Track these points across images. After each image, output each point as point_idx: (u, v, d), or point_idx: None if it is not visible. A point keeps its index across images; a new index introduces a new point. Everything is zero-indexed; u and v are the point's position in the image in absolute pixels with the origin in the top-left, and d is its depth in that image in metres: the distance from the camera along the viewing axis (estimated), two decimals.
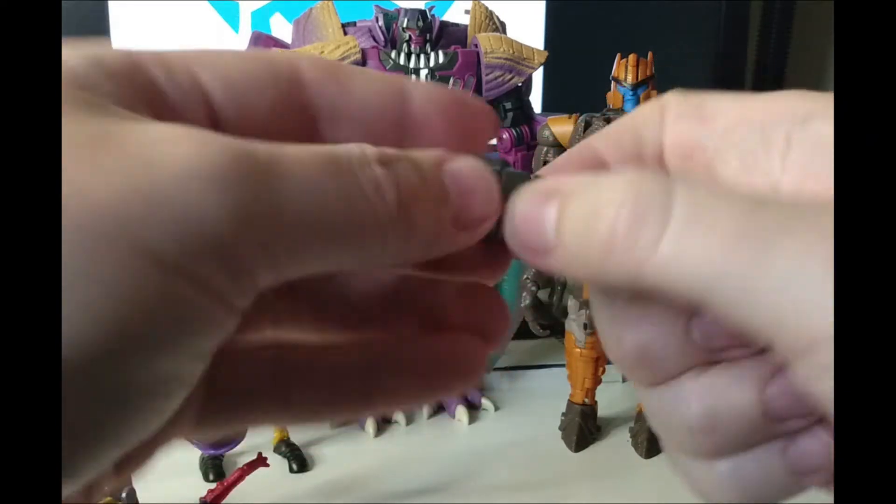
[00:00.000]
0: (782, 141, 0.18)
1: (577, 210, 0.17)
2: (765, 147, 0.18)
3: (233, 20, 0.87)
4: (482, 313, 0.21)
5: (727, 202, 0.16)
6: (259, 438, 0.58)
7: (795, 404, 0.17)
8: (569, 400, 0.65)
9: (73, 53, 0.16)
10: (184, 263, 0.14)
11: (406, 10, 0.66)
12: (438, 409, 0.68)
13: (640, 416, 0.63)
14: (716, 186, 0.17)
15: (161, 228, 0.13)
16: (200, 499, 0.48)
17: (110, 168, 0.13)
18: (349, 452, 0.62)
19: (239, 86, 0.17)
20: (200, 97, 0.17)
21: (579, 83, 0.73)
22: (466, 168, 0.18)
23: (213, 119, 0.17)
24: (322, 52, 0.64)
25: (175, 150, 0.14)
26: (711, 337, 0.18)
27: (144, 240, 0.13)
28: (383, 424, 0.66)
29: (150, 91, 0.16)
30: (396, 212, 0.16)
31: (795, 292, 0.15)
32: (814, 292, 0.15)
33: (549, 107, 0.89)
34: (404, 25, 0.65)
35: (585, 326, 0.62)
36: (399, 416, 0.66)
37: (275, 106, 0.18)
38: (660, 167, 0.20)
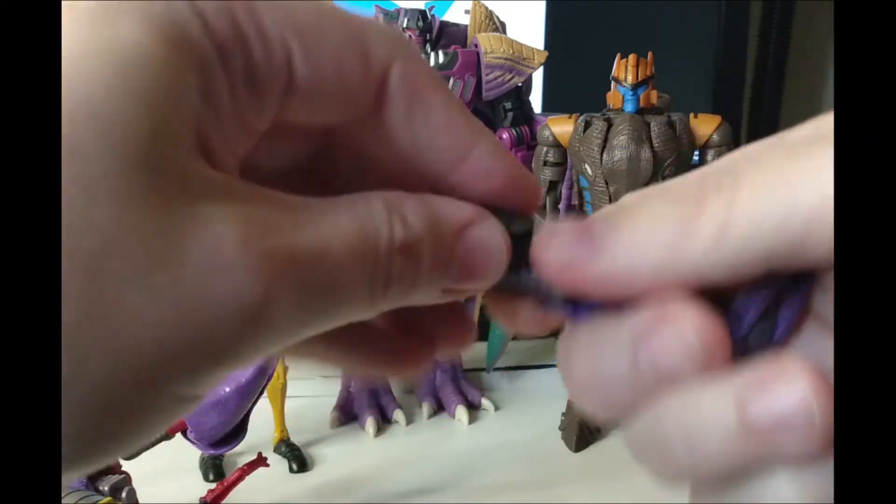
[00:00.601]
0: None
1: (632, 219, 0.16)
2: None
3: None
4: (449, 328, 0.21)
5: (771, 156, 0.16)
6: (259, 438, 0.58)
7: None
8: (569, 400, 0.65)
9: (144, 21, 0.14)
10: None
11: (406, 10, 0.66)
12: (438, 410, 0.68)
13: None
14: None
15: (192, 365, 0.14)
16: (200, 499, 0.48)
17: (162, 296, 0.14)
18: (349, 452, 0.62)
19: (323, 60, 0.17)
20: (286, 73, 0.16)
21: (579, 83, 0.73)
22: (486, 239, 0.18)
23: (287, 90, 0.17)
24: None
25: (227, 275, 0.14)
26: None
27: (173, 381, 0.14)
28: (383, 424, 0.66)
29: (241, 69, 0.16)
30: (391, 299, 0.17)
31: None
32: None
33: (549, 107, 0.89)
34: (404, 25, 0.65)
35: None
36: (399, 416, 0.66)
37: (345, 99, 0.17)
38: None
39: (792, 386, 0.15)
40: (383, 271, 0.16)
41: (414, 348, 0.21)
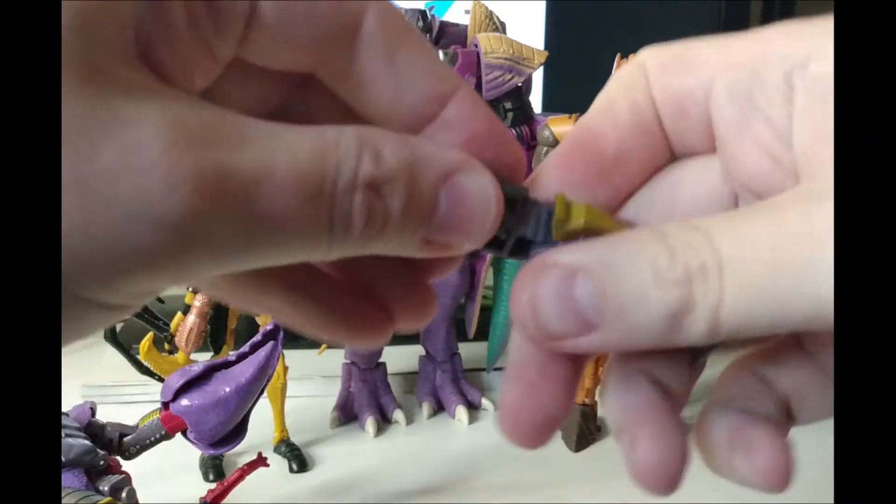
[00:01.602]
0: (782, 84, 0.17)
1: (619, 284, 0.16)
2: (763, 91, 0.17)
3: None
4: (409, 299, 0.20)
5: (750, 218, 0.16)
6: (259, 438, 0.58)
7: None
8: None
9: None
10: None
11: (406, 10, 0.66)
12: (438, 410, 0.68)
13: None
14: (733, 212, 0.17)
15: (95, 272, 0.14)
16: (200, 499, 0.48)
17: (72, 192, 0.13)
18: (349, 452, 0.62)
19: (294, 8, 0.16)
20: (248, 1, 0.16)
21: (579, 83, 0.73)
22: (475, 188, 0.17)
23: (251, 21, 0.16)
24: None
25: (141, 180, 0.13)
26: None
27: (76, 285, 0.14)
28: (383, 424, 0.66)
29: None
30: (353, 239, 0.16)
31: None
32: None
33: (549, 107, 0.89)
34: None
35: None
36: (399, 417, 0.66)
37: (318, 43, 0.17)
38: (660, 132, 0.19)
39: None
40: (343, 208, 0.15)
41: (372, 315, 0.20)
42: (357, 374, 0.67)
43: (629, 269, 0.16)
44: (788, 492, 0.18)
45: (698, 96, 0.18)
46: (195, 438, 0.45)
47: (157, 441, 0.43)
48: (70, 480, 0.38)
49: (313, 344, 0.62)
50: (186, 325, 0.56)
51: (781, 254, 0.15)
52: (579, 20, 0.91)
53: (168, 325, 0.57)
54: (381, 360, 0.68)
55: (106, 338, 0.57)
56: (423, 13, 0.66)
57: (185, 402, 0.43)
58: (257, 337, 0.45)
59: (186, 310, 0.57)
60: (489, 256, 0.70)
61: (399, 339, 0.29)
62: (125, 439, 0.43)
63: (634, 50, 0.60)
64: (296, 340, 0.61)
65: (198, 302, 0.57)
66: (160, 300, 0.63)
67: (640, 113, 0.19)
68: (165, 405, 0.43)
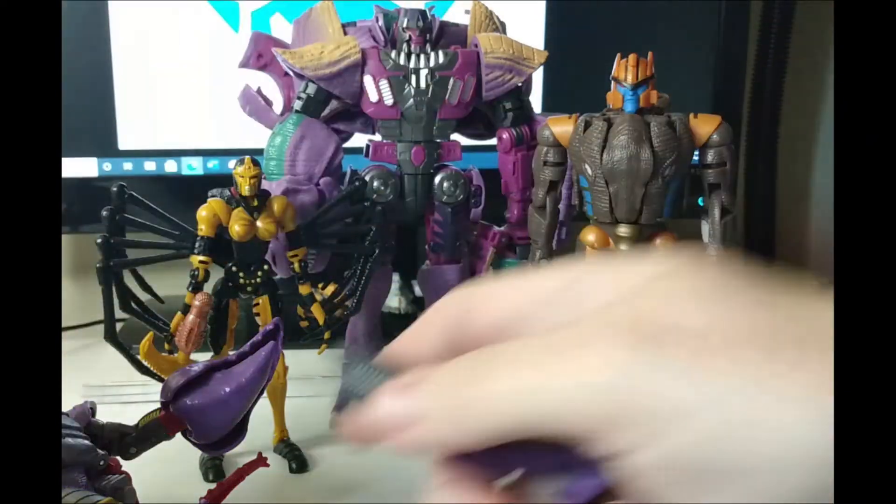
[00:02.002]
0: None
1: (437, 388, 0.22)
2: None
3: (233, 20, 0.87)
4: None
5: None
6: (259, 438, 0.58)
7: None
8: None
9: None
10: None
11: (406, 10, 0.66)
12: None
13: None
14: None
15: None
16: (200, 499, 0.48)
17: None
18: (349, 452, 0.62)
19: None
20: None
21: (579, 83, 0.73)
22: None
23: None
24: (322, 51, 0.64)
25: None
26: None
27: None
28: None
29: None
30: None
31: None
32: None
33: (549, 107, 0.89)
34: (404, 25, 0.65)
35: None
36: None
37: None
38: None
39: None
40: None
41: None
42: None
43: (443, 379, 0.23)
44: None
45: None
46: (195, 438, 0.45)
47: (157, 441, 0.43)
48: (70, 480, 0.38)
49: (313, 344, 0.62)
50: (186, 325, 0.56)
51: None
52: (579, 20, 0.91)
53: (168, 325, 0.57)
54: None
55: (106, 338, 0.57)
56: (423, 13, 0.66)
57: (185, 401, 0.43)
58: (257, 337, 0.45)
59: (186, 310, 0.57)
60: (489, 256, 0.71)
61: None
62: (125, 439, 0.43)
63: (634, 50, 0.60)
64: (296, 340, 0.61)
65: (198, 302, 0.56)
66: (160, 300, 0.63)
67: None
68: (165, 405, 0.43)
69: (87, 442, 0.40)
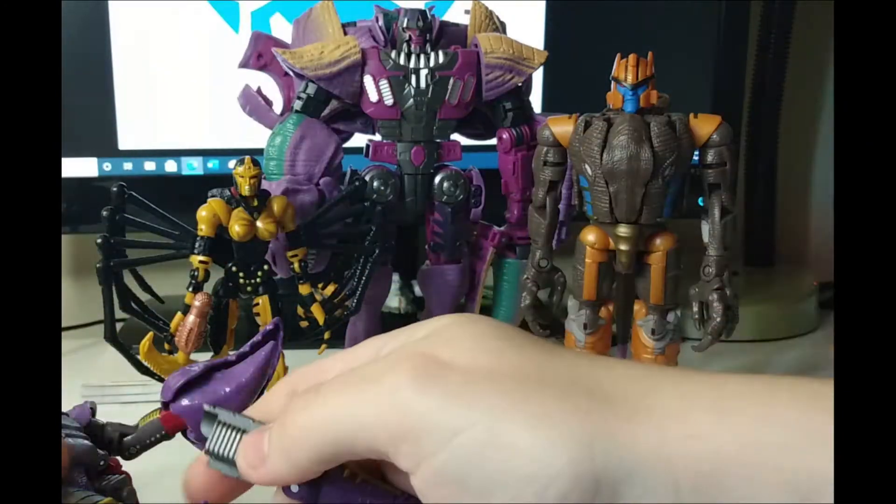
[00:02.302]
0: None
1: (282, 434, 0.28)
2: None
3: (233, 20, 0.87)
4: None
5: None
6: None
7: None
8: None
9: None
10: None
11: (406, 10, 0.66)
12: None
13: None
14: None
15: None
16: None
17: None
18: None
19: None
20: None
21: (579, 83, 0.73)
22: None
23: None
24: (322, 52, 0.64)
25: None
26: None
27: None
28: None
29: None
30: None
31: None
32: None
33: (549, 107, 0.89)
34: (404, 25, 0.65)
35: (585, 326, 0.62)
36: None
37: None
38: None
39: None
40: None
41: None
42: None
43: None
44: None
45: None
46: (195, 438, 0.44)
47: (158, 441, 0.43)
48: (70, 480, 0.38)
49: (313, 344, 0.62)
50: (186, 325, 0.56)
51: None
52: (579, 20, 0.91)
53: (168, 325, 0.57)
54: None
55: (106, 338, 0.57)
56: (423, 13, 0.66)
57: (185, 401, 0.43)
58: (257, 337, 0.45)
59: (186, 310, 0.57)
60: (489, 256, 0.71)
61: None
62: (125, 439, 0.43)
63: (634, 50, 0.60)
64: (296, 340, 0.61)
65: (198, 302, 0.56)
66: (160, 300, 0.63)
67: None
68: (165, 405, 0.43)
69: (87, 442, 0.40)
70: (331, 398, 0.26)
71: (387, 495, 0.28)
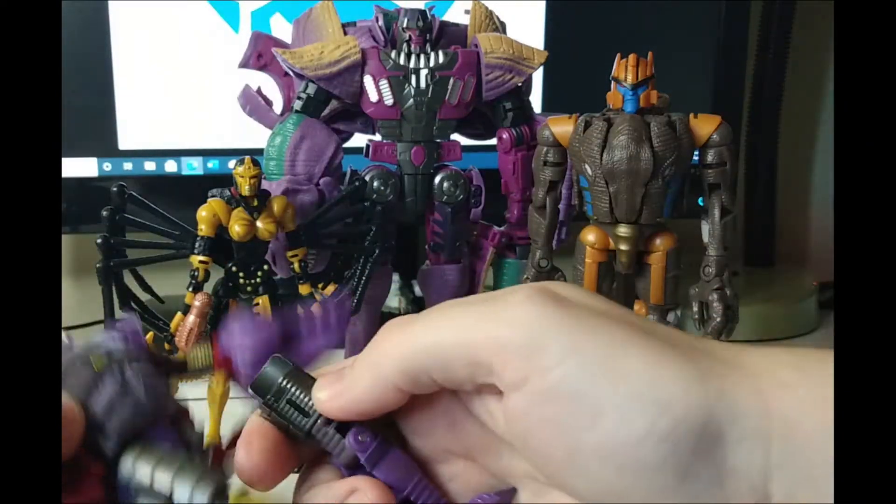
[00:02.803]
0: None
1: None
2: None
3: (233, 20, 0.87)
4: None
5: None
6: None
7: None
8: None
9: None
10: None
11: (406, 10, 0.66)
12: None
13: None
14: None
15: None
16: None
17: None
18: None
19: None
20: None
21: (579, 83, 0.73)
22: None
23: None
24: (322, 51, 0.64)
25: None
26: None
27: None
28: None
29: None
30: None
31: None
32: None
33: (549, 107, 0.89)
34: (404, 25, 0.65)
35: None
36: None
37: None
38: None
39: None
40: None
41: None
42: None
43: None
44: None
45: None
46: (244, 384, 0.44)
47: (202, 372, 0.42)
48: (160, 433, 0.35)
49: None
50: (186, 325, 0.56)
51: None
52: (579, 20, 0.91)
53: (168, 325, 0.57)
54: None
55: None
56: (423, 13, 0.66)
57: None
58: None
59: (186, 310, 0.57)
60: (489, 256, 0.71)
61: None
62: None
63: (634, 50, 0.60)
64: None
65: (198, 302, 0.56)
66: (160, 300, 0.63)
67: None
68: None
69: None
70: (434, 317, 0.26)
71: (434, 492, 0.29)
